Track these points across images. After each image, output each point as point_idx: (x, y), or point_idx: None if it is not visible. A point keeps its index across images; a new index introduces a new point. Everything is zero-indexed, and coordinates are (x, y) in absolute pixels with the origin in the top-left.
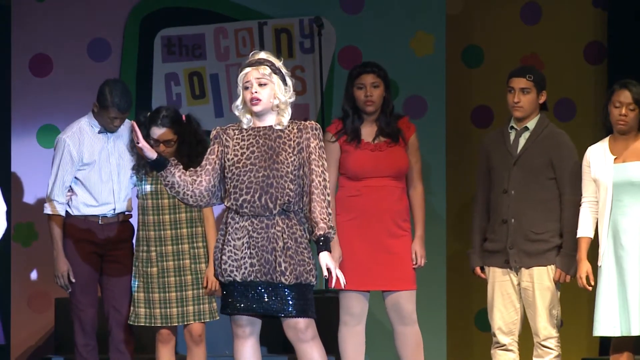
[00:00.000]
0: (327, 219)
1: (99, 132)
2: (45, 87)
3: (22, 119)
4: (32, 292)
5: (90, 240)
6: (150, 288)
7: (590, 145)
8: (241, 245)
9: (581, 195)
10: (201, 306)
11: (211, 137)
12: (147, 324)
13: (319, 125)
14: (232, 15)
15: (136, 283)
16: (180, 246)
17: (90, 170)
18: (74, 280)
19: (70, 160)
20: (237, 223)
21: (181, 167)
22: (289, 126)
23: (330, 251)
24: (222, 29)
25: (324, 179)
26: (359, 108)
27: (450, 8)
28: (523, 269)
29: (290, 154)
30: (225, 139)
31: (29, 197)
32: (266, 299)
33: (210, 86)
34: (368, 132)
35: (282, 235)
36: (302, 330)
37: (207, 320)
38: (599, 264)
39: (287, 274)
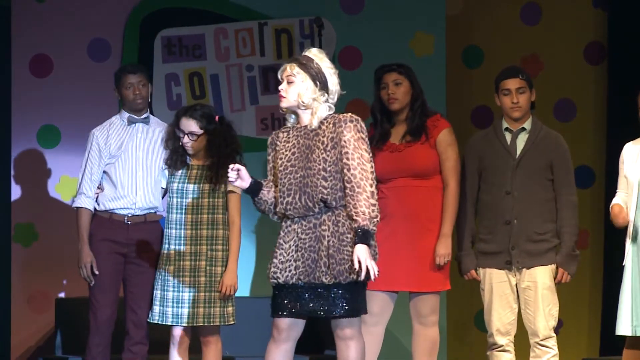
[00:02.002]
0: (366, 211)
1: (128, 125)
2: (45, 87)
3: (22, 119)
4: (32, 292)
5: (113, 240)
6: (166, 286)
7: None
8: (288, 248)
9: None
10: (212, 309)
11: (268, 143)
12: (159, 322)
13: (356, 117)
14: (232, 16)
15: (156, 280)
16: (198, 247)
17: (116, 161)
18: (97, 273)
19: (98, 152)
20: (289, 226)
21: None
22: (326, 122)
23: (368, 244)
24: (222, 29)
25: (362, 170)
26: (387, 109)
27: (450, 8)
28: (524, 269)
29: (323, 151)
30: (277, 143)
31: (29, 197)
32: (308, 301)
33: (210, 86)
34: (398, 132)
35: (327, 234)
36: (340, 328)
37: (217, 323)
38: (624, 262)
39: (328, 273)
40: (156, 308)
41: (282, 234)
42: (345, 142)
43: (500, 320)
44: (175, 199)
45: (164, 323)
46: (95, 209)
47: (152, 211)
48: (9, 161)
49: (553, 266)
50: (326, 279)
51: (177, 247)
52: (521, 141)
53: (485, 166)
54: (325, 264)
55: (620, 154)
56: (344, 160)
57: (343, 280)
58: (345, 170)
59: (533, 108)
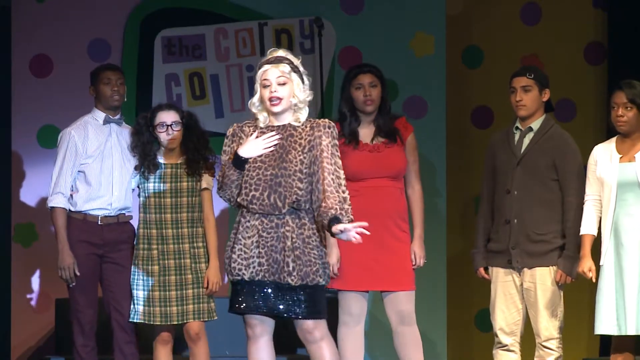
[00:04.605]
0: (343, 208)
1: (103, 124)
2: (45, 88)
3: (22, 119)
4: (32, 292)
5: (89, 241)
6: (151, 286)
7: (587, 145)
8: (251, 244)
9: (584, 197)
10: (201, 305)
11: (228, 134)
12: (147, 322)
13: (333, 124)
14: (232, 16)
15: (136, 281)
16: (181, 245)
17: (93, 161)
18: (78, 274)
19: (75, 152)
20: (248, 222)
21: None
22: (303, 124)
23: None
24: (222, 29)
25: (338, 177)
26: (357, 109)
27: (450, 8)
28: (525, 270)
29: (300, 152)
30: (241, 136)
31: (29, 198)
32: (273, 300)
33: (210, 86)
34: (366, 133)
35: (290, 235)
36: (309, 331)
37: (206, 319)
38: (601, 262)
39: (294, 274)
40: (141, 308)
41: (240, 228)
42: (323, 147)
43: (505, 319)
44: (152, 199)
45: (152, 323)
46: (69, 209)
47: (124, 212)
48: (9, 161)
49: (555, 267)
50: (292, 280)
51: (160, 246)
52: (527, 140)
53: (495, 165)
54: (291, 266)
55: (590, 156)
56: (323, 164)
57: (310, 282)
58: (325, 174)
59: (551, 109)
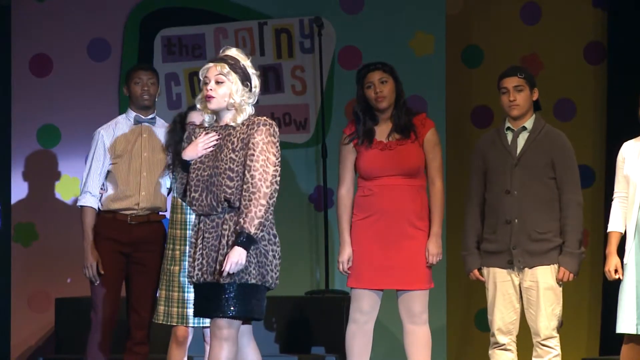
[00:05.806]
0: (253, 211)
1: (134, 124)
2: (45, 87)
3: (22, 119)
4: (32, 292)
5: (116, 239)
6: (171, 286)
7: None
8: (196, 247)
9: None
10: None
11: (184, 137)
12: (164, 322)
13: (271, 121)
14: (232, 15)
15: (161, 280)
16: None
17: (121, 161)
18: (102, 272)
19: (104, 151)
20: (196, 225)
21: None
22: (242, 123)
23: (247, 250)
24: (222, 29)
25: (264, 172)
26: (372, 107)
27: (450, 8)
28: (526, 269)
29: (231, 151)
30: (192, 138)
31: (29, 197)
32: (205, 300)
33: None
34: (383, 130)
35: (227, 234)
36: (220, 328)
37: None
38: (625, 261)
39: (223, 272)
40: (161, 308)
41: (192, 232)
42: (253, 144)
43: (503, 319)
44: (179, 199)
45: (169, 323)
46: (98, 208)
47: (155, 212)
48: (9, 161)
49: (556, 266)
50: (223, 278)
51: (182, 247)
52: (522, 140)
53: (488, 166)
54: (221, 263)
55: (619, 153)
56: (248, 162)
57: (239, 280)
58: (246, 171)
59: (539, 108)
